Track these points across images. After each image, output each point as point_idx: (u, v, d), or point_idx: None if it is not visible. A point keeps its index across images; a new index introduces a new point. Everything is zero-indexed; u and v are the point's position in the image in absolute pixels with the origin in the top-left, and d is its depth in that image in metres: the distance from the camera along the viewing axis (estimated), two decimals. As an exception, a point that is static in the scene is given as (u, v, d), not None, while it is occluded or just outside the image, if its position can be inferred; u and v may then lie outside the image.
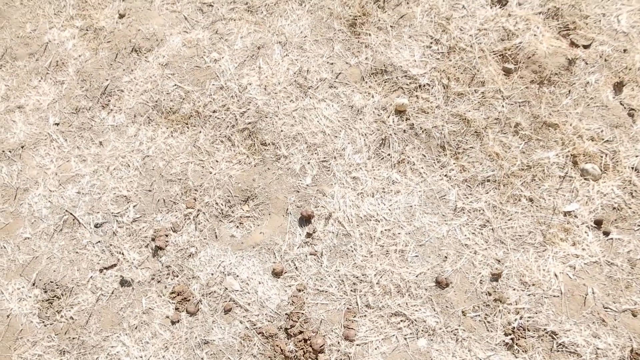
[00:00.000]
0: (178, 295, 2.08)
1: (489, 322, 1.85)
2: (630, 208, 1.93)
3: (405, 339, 1.87)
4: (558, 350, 1.77)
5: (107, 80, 2.58)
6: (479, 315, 1.87)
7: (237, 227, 2.17)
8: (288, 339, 1.94)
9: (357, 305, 1.95)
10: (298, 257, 2.07)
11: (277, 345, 1.93)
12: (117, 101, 2.53)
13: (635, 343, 1.74)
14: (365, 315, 1.93)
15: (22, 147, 2.52)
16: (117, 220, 2.27)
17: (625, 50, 2.18)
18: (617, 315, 1.79)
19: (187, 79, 2.49)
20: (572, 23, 2.26)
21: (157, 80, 2.52)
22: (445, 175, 2.11)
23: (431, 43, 2.34)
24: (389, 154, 2.18)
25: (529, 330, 1.81)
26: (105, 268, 2.19)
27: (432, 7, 2.40)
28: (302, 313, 1.97)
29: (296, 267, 2.05)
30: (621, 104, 2.11)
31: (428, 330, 1.87)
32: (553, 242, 1.93)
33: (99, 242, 2.25)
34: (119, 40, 2.66)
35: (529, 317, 1.83)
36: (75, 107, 2.56)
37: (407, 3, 2.44)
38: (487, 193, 2.05)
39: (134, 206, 2.28)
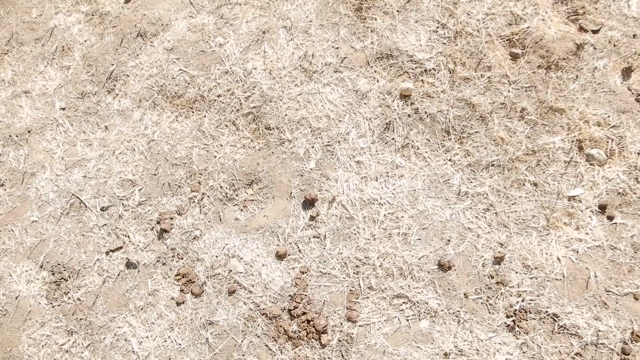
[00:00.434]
0: (183, 277, 2.11)
1: (490, 304, 1.86)
2: (635, 193, 1.93)
3: (407, 320, 1.89)
4: (559, 332, 1.78)
5: (112, 65, 2.59)
6: (481, 298, 1.88)
7: (241, 210, 2.19)
8: (291, 320, 1.97)
9: (360, 287, 1.97)
10: (301, 239, 2.08)
11: (280, 326, 1.96)
12: (123, 86, 2.54)
13: (636, 325, 1.74)
14: (367, 297, 1.94)
15: (29, 131, 2.54)
16: (122, 204, 2.29)
17: (634, 36, 2.16)
18: (619, 298, 1.79)
19: (192, 64, 2.49)
20: (582, 8, 2.23)
21: (163, 64, 2.53)
22: (450, 160, 2.11)
23: (438, 27, 2.32)
24: (393, 138, 2.18)
25: (530, 313, 1.82)
26: (112, 250, 2.22)
27: (438, -9, 2.38)
28: (305, 295, 1.99)
29: (299, 250, 2.07)
30: (629, 89, 2.09)
31: (430, 312, 1.88)
32: (556, 226, 1.92)
33: (105, 225, 2.27)
34: (124, 25, 2.67)
35: (530, 300, 1.83)
36: (81, 91, 2.57)
37: (413, -13, 2.42)
38: (491, 177, 2.05)
39: (139, 190, 2.30)
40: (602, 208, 1.92)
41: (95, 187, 2.35)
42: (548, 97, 2.11)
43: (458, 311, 1.87)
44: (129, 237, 2.23)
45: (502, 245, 1.94)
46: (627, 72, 2.11)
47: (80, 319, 2.12)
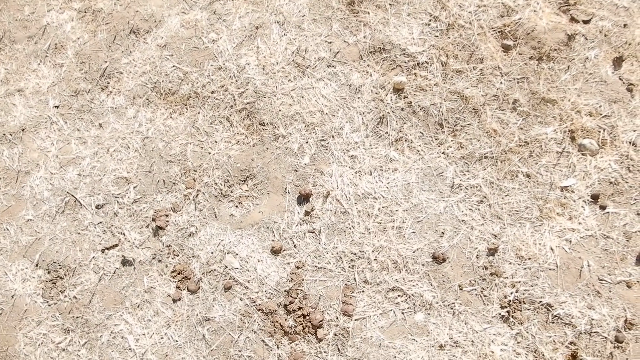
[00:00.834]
0: (179, 274, 2.11)
1: (485, 295, 1.87)
2: (627, 182, 1.94)
3: (402, 313, 1.90)
4: (553, 322, 1.79)
5: (106, 62, 2.59)
6: (475, 289, 1.89)
7: (236, 206, 2.19)
8: (287, 315, 1.97)
9: (355, 281, 1.97)
10: (296, 234, 2.09)
11: (276, 321, 1.96)
12: (116, 83, 2.54)
13: (629, 313, 1.76)
14: (363, 291, 1.95)
15: (23, 130, 2.54)
16: (117, 201, 2.29)
17: (625, 25, 2.16)
18: (612, 287, 1.80)
19: (185, 60, 2.49)
20: (572, -2, 2.23)
21: (156, 61, 2.52)
22: (443, 153, 2.11)
23: (430, 20, 2.32)
24: (386, 132, 2.18)
25: (524, 303, 1.83)
26: (107, 248, 2.22)
27: (430, -16, 2.38)
28: (301, 289, 1.99)
29: (295, 245, 2.07)
30: (620, 79, 2.09)
31: (425, 305, 1.89)
32: (549, 216, 1.93)
33: (101, 223, 2.27)
34: (117, 22, 2.66)
35: (524, 290, 1.85)
36: (75, 89, 2.57)
37: (405, -20, 2.41)
38: (485, 170, 2.05)
39: (134, 187, 2.30)
40: (595, 198, 1.93)
41: (90, 185, 2.35)
42: (540, 88, 2.12)
43: (453, 303, 1.88)
44: (124, 234, 2.23)
45: (495, 236, 1.95)
46: (618, 62, 2.11)
47: (77, 317, 2.13)
